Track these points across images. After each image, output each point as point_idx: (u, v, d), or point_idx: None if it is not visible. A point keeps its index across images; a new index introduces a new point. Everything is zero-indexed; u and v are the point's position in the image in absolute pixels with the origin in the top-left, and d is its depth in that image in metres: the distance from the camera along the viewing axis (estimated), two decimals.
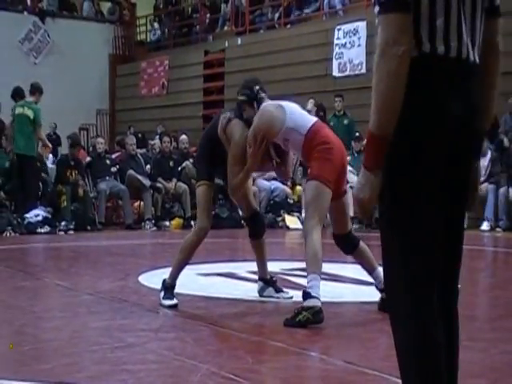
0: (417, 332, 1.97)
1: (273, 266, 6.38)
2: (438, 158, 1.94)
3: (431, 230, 1.97)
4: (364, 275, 6.23)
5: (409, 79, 1.86)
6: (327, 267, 6.66)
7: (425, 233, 1.96)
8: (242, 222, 11.47)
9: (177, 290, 5.37)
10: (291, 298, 5.23)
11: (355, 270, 6.67)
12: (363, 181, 1.93)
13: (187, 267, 6.57)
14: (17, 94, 11.61)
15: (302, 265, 6.72)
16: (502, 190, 10.88)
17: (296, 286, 5.69)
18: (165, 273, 5.76)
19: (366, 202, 1.93)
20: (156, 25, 21.82)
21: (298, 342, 3.82)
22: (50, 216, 10.51)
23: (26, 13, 20.65)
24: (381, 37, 1.87)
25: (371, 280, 5.97)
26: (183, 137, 12.52)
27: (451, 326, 2.11)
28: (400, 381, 3.12)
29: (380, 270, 4.64)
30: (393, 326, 2.03)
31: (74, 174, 11.16)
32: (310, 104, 12.13)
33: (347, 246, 4.95)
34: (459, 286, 2.20)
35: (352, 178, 11.54)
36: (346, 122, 12.49)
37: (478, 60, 1.98)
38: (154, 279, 5.87)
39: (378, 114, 1.88)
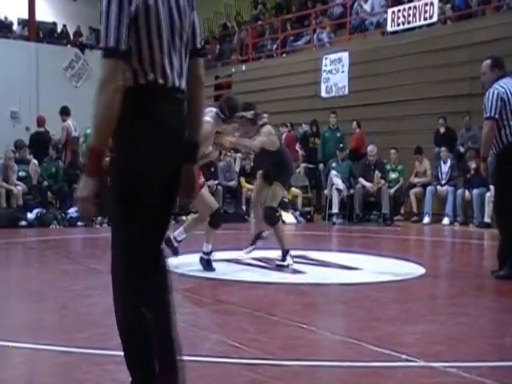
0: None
1: (271, 254, 6.39)
2: (161, 162, 2.08)
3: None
4: (347, 261, 6.24)
5: (137, 100, 2.02)
6: (316, 254, 6.67)
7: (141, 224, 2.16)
8: (246, 216, 11.51)
9: (192, 273, 5.38)
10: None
11: (339, 257, 6.68)
12: (85, 184, 2.02)
13: (199, 254, 6.59)
14: (64, 112, 11.67)
15: (296, 252, 6.75)
16: (459, 191, 10.87)
17: (289, 270, 5.68)
18: (182, 259, 5.76)
19: (86, 199, 2.03)
20: None
21: (292, 316, 3.81)
22: None
23: (69, 46, 20.68)
24: (100, 75, 1.99)
25: (352, 265, 5.99)
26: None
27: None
28: (378, 348, 3.13)
29: None
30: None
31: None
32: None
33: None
34: None
35: (336, 180, 11.54)
36: (338, 134, 12.45)
37: (184, 87, 2.15)
38: (171, 264, 5.84)
39: (98, 134, 1.99)
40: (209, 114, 5.24)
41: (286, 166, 6.06)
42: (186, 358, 3.04)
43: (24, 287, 5.13)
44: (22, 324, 3.88)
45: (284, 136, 12.77)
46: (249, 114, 5.77)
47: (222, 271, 5.63)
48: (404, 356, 3.00)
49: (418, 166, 11.76)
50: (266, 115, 14.24)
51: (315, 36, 15.84)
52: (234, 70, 17.81)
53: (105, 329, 3.56)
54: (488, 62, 5.49)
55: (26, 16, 20.39)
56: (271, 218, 5.91)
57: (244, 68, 17.42)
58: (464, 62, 11.88)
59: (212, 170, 11.77)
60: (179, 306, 4.21)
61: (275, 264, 5.94)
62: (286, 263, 5.85)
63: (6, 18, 20.57)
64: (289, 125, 13.60)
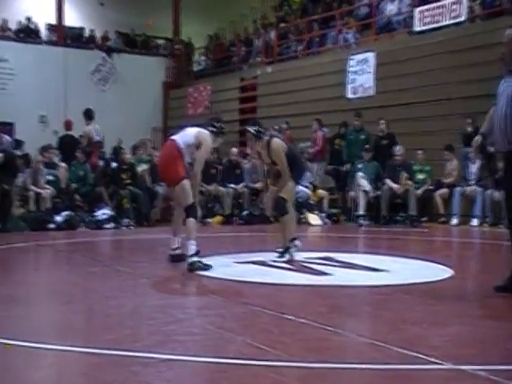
0: None
1: (297, 256, 6.38)
2: None
3: None
4: (373, 263, 6.20)
5: None
6: (342, 256, 6.64)
7: None
8: (270, 218, 11.50)
9: (217, 275, 5.40)
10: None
11: (366, 259, 6.63)
12: None
13: (226, 256, 6.63)
14: (86, 115, 11.77)
15: (322, 254, 6.73)
16: (488, 192, 10.73)
17: (315, 272, 5.66)
18: (208, 261, 5.78)
19: None
20: (202, 57, 21.92)
21: (317, 318, 3.80)
22: (114, 214, 10.61)
23: (96, 50, 20.92)
24: None
25: (379, 267, 5.94)
26: (234, 149, 12.51)
27: None
28: (406, 351, 3.10)
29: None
30: None
31: (127, 175, 11.22)
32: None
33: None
34: None
35: (363, 182, 11.47)
36: (362, 136, 12.38)
37: None
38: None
39: None
40: (203, 131, 5.87)
41: (296, 163, 6.46)
42: (211, 359, 3.05)
43: (52, 289, 5.19)
44: (51, 325, 3.93)
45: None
46: (252, 129, 6.31)
47: (248, 273, 5.63)
48: (432, 359, 2.96)
49: (448, 166, 11.63)
50: (284, 125, 14.28)
51: (341, 36, 15.78)
52: (259, 72, 17.83)
53: (131, 330, 3.59)
54: None
55: (54, 21, 20.68)
56: (281, 208, 6.31)
57: (269, 70, 17.43)
58: (493, 60, 11.71)
59: (213, 171, 11.85)
60: (204, 309, 4.25)
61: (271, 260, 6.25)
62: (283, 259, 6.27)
63: (35, 25, 20.88)
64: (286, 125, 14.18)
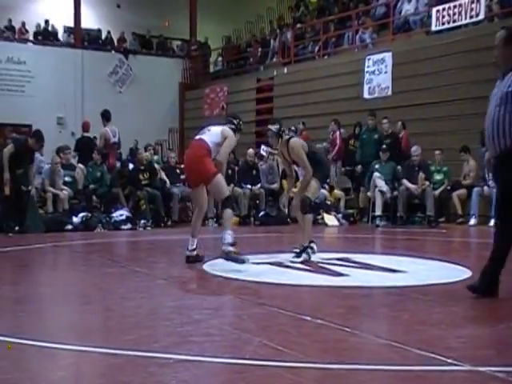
0: None
1: (313, 257, 6.37)
2: None
3: None
4: (390, 264, 6.17)
5: None
6: (359, 257, 6.62)
7: None
8: (288, 219, 11.47)
9: (234, 276, 5.41)
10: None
11: (383, 260, 6.61)
12: None
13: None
14: (104, 116, 11.82)
15: (339, 255, 6.72)
16: None
17: (332, 273, 5.65)
18: (223, 263, 5.78)
19: None
20: (219, 58, 21.99)
21: (335, 319, 3.79)
22: (131, 215, 10.66)
23: (113, 51, 21.07)
24: None
25: (396, 268, 5.92)
26: (250, 150, 12.57)
27: None
28: (424, 352, 3.08)
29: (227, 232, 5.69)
30: None
31: (145, 176, 11.26)
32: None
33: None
34: None
35: (380, 182, 11.42)
36: (376, 136, 12.32)
37: None
38: (215, 267, 5.88)
39: None
40: (226, 128, 6.01)
41: (320, 163, 6.58)
42: (228, 360, 3.06)
43: (70, 290, 5.23)
44: (68, 326, 3.96)
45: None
46: (273, 128, 6.41)
47: (265, 274, 5.63)
48: (450, 360, 2.94)
49: (465, 167, 11.55)
50: (301, 126, 14.28)
51: (357, 37, 15.74)
52: (275, 73, 17.84)
53: (148, 331, 3.60)
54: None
55: (71, 24, 20.86)
56: (306, 206, 6.38)
57: (286, 70, 17.42)
58: None
59: (230, 172, 11.85)
60: (221, 309, 4.26)
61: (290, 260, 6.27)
62: (300, 259, 6.27)
63: (53, 28, 21.08)
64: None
